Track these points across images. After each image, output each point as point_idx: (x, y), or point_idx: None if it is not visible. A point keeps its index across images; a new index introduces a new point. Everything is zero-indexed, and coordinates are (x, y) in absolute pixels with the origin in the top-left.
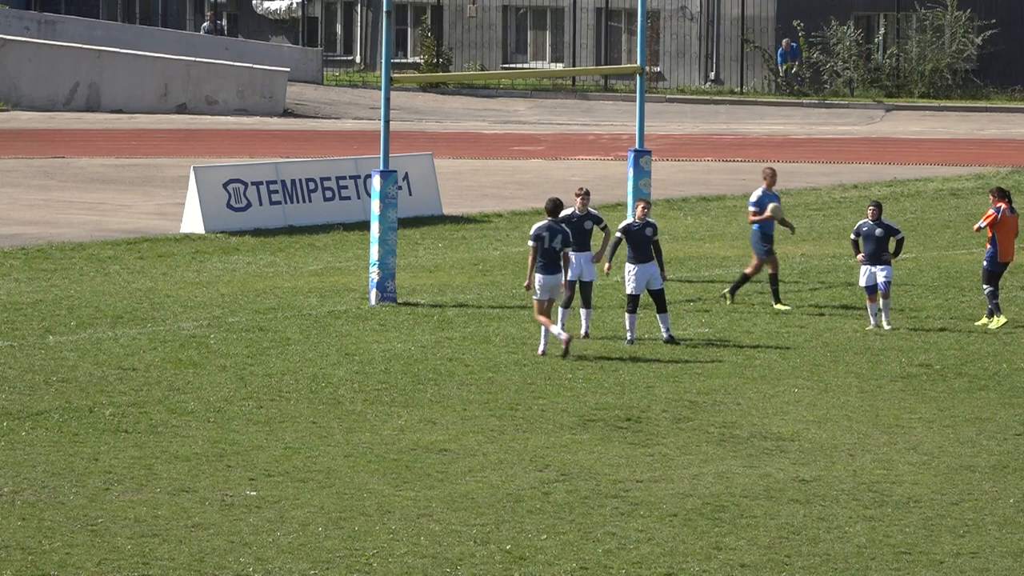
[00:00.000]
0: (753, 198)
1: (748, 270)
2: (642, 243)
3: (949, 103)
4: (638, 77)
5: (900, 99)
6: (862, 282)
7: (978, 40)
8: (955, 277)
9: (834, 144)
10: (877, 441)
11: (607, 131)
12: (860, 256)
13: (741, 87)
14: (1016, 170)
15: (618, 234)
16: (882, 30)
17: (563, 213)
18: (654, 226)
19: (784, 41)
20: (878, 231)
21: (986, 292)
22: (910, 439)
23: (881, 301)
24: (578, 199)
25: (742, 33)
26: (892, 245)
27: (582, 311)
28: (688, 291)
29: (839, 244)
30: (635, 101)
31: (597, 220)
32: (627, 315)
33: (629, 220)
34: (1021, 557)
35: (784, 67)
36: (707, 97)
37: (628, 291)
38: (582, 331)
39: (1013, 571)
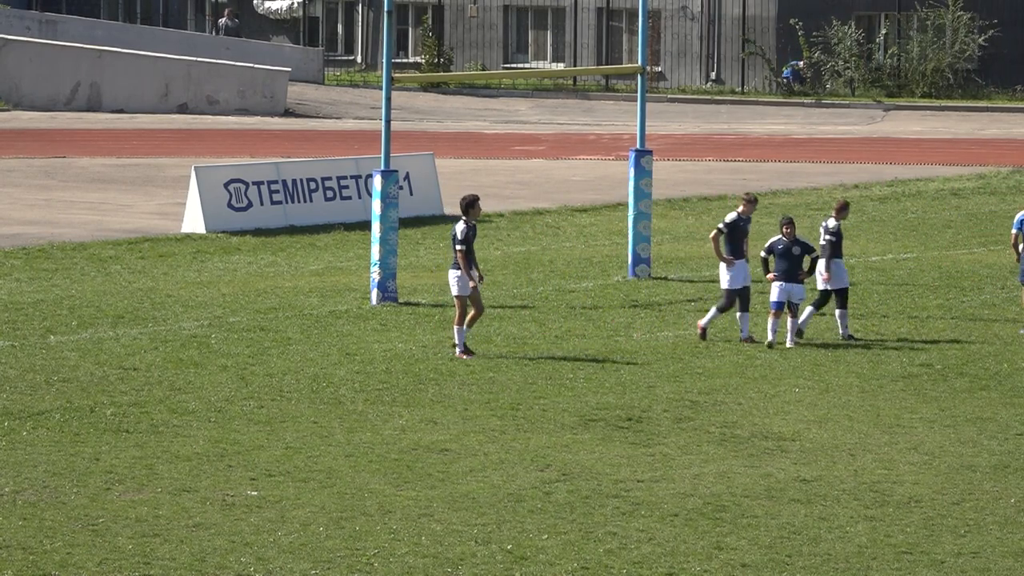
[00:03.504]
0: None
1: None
2: (789, 258)
3: (950, 103)
4: (639, 77)
5: (901, 99)
6: (774, 297)
7: (979, 40)
8: (956, 277)
9: (835, 144)
10: (878, 441)
11: (608, 131)
12: (771, 275)
13: (742, 87)
14: (1017, 170)
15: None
16: (883, 30)
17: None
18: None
19: (796, 63)
20: (795, 249)
21: None
22: (911, 439)
23: (789, 320)
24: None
25: (743, 33)
26: (807, 263)
27: (741, 315)
28: (689, 291)
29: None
30: (636, 101)
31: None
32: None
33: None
34: (1022, 557)
35: (791, 81)
36: (708, 97)
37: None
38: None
39: (1014, 571)
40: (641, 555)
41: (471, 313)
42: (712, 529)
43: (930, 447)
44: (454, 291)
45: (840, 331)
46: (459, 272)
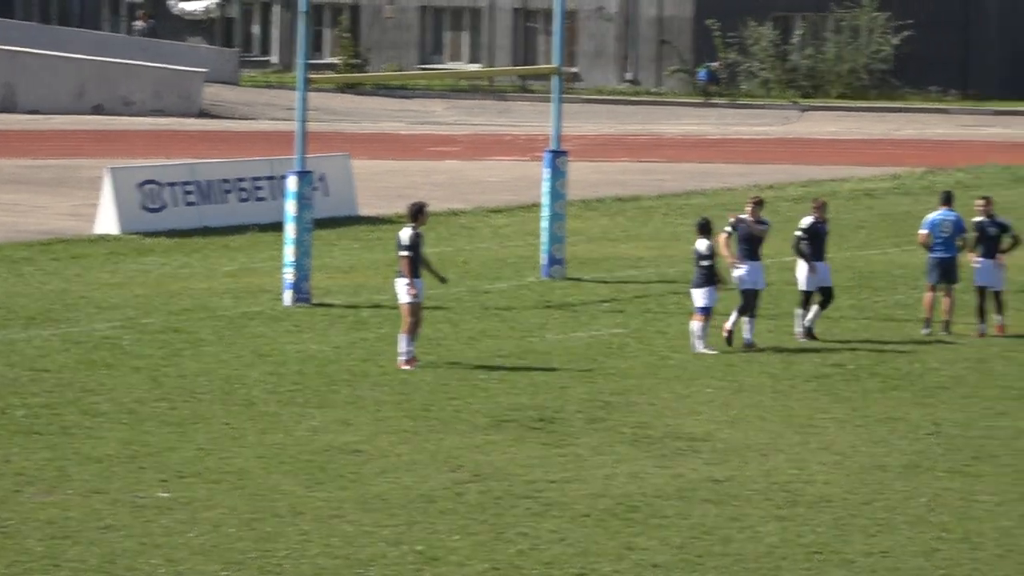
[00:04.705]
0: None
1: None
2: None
3: (865, 103)
4: (555, 78)
5: (816, 99)
6: (706, 303)
7: (895, 41)
8: (869, 277)
9: (750, 144)
10: (790, 441)
11: (524, 132)
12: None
13: (658, 88)
14: (931, 170)
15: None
16: (799, 31)
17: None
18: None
19: (711, 64)
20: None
21: None
22: (823, 439)
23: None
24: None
25: (659, 33)
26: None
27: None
28: (603, 292)
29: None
30: (552, 102)
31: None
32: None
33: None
34: (932, 556)
35: (706, 82)
36: (624, 98)
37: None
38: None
39: (924, 570)
40: (552, 556)
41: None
42: (623, 529)
43: (841, 447)
44: (402, 299)
45: (798, 329)
46: (407, 280)
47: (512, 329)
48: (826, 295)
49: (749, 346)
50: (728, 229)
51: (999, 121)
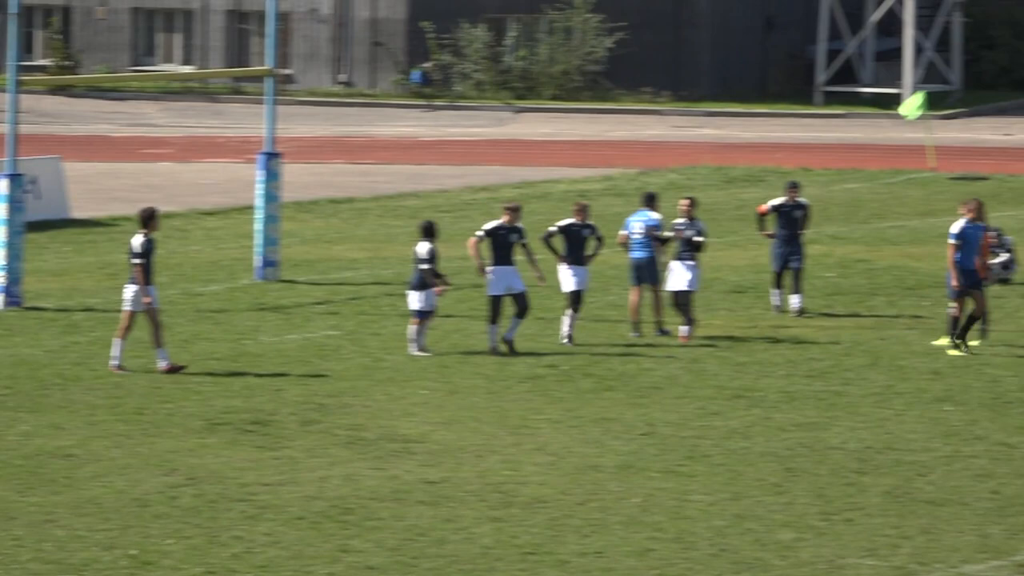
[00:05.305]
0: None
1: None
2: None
3: (578, 105)
4: (268, 80)
5: (530, 101)
6: (421, 306)
7: (608, 43)
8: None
9: (463, 146)
10: (504, 442)
11: (237, 134)
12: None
13: (372, 89)
14: (644, 172)
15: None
16: (512, 32)
17: (492, 224)
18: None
19: (424, 66)
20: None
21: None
22: (537, 440)
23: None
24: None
25: (373, 35)
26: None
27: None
28: (317, 293)
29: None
30: (265, 104)
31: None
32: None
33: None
34: (645, 556)
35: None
36: (338, 99)
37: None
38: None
39: (637, 570)
40: (267, 559)
41: (142, 328)
42: (338, 532)
43: (556, 448)
44: (127, 305)
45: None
46: (136, 287)
47: (226, 332)
48: (572, 300)
49: (508, 342)
50: (480, 233)
51: (711, 122)
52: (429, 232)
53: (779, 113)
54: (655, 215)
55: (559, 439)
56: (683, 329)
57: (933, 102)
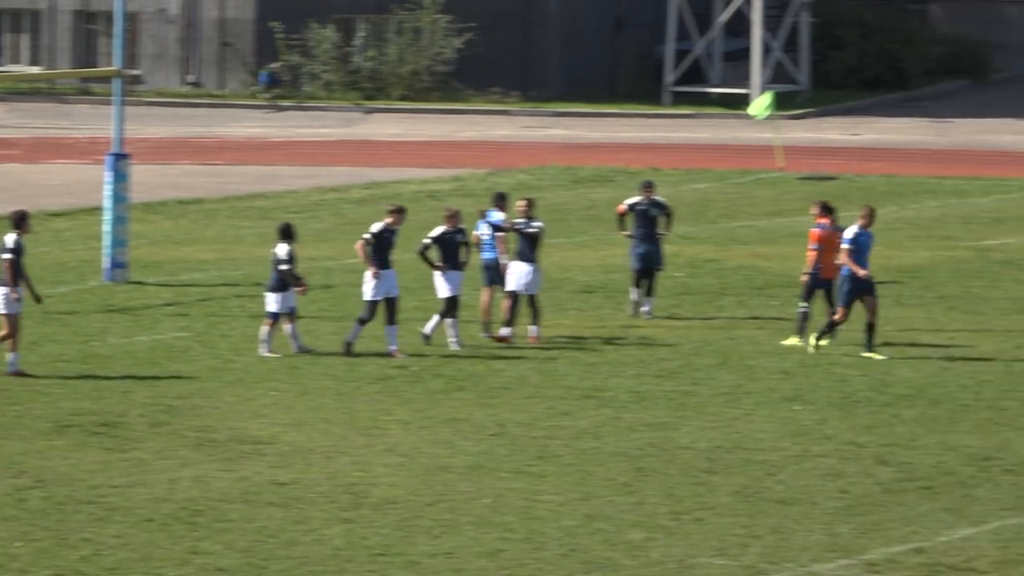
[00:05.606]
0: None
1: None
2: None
3: (428, 105)
4: (116, 80)
5: (379, 101)
6: (277, 308)
7: (457, 43)
8: (428, 279)
9: (312, 147)
10: (354, 443)
11: (85, 135)
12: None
13: (220, 90)
14: (493, 172)
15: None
16: (361, 33)
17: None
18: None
19: (271, 66)
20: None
21: (800, 309)
22: (387, 441)
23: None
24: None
25: (221, 35)
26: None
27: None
28: (166, 295)
29: (316, 247)
30: (113, 104)
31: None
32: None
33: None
34: (495, 556)
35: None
36: (186, 100)
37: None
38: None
39: (487, 571)
40: (116, 561)
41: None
42: (188, 534)
43: (406, 449)
44: (1, 309)
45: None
46: (6, 289)
47: (74, 334)
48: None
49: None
50: (367, 236)
51: (559, 123)
52: (287, 234)
53: (628, 113)
54: (499, 214)
55: (409, 440)
56: (532, 329)
57: (781, 102)
